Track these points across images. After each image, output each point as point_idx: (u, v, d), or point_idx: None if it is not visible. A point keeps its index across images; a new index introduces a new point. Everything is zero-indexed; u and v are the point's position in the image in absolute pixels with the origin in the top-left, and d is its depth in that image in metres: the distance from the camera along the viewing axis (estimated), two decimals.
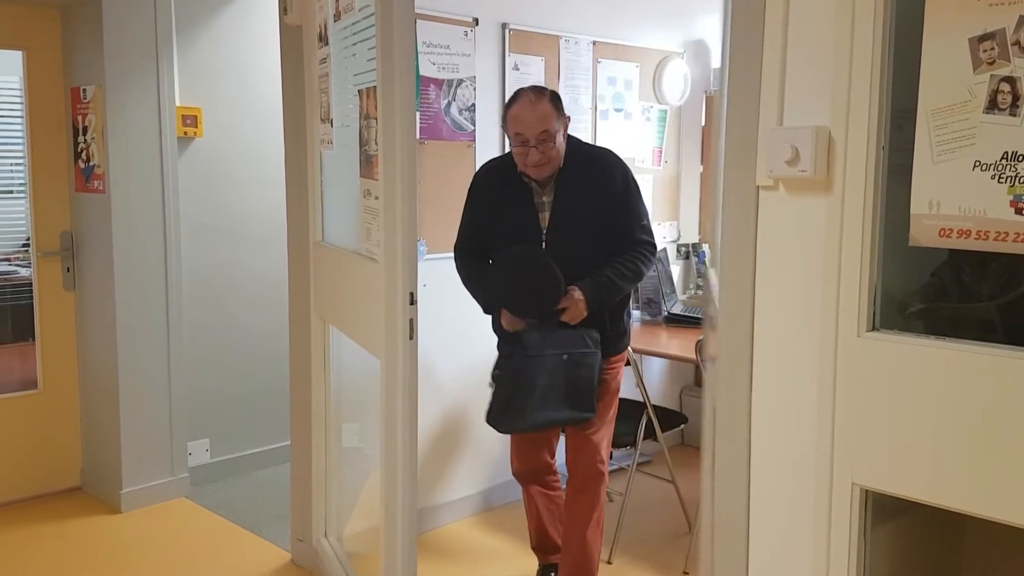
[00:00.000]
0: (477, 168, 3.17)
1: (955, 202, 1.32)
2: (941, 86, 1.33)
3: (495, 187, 2.93)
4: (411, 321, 2.34)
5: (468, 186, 3.07)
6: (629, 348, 3.10)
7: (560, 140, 2.79)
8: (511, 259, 2.80)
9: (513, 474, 3.17)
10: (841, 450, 1.44)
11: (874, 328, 1.41)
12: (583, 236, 2.82)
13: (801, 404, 1.50)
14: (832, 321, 1.43)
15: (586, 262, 2.81)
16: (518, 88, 2.84)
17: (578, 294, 2.77)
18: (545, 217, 2.84)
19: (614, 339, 2.96)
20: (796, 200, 1.48)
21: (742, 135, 1.53)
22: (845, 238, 1.41)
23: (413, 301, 2.34)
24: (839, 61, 1.41)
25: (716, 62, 4.80)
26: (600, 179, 2.84)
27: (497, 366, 2.83)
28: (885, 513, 1.50)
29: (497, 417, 2.83)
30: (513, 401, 2.78)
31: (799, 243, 1.48)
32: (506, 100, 2.90)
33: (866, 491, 1.45)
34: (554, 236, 2.83)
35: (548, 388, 2.76)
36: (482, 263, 2.94)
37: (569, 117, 2.85)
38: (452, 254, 3.08)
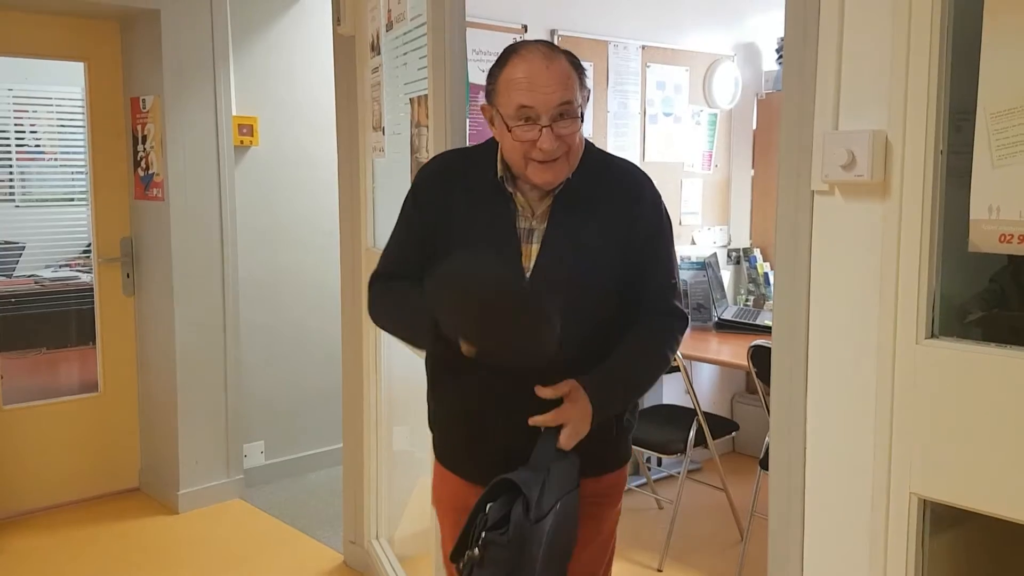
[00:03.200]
0: None
1: (1016, 207, 1.30)
2: (1001, 89, 1.30)
3: (455, 191, 1.82)
4: None
5: None
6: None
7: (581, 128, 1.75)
8: (472, 262, 1.64)
9: None
10: (899, 459, 1.42)
11: (933, 335, 1.39)
12: (589, 292, 1.75)
13: (858, 412, 1.48)
14: (890, 328, 1.41)
15: (585, 338, 1.73)
16: (513, 43, 1.82)
17: (580, 393, 1.70)
18: (531, 252, 1.75)
19: (615, 442, 1.87)
20: (852, 205, 1.46)
21: (797, 139, 1.52)
22: (903, 244, 1.39)
23: None
24: (896, 63, 1.39)
25: (767, 65, 4.76)
26: (626, 205, 1.78)
27: (485, 540, 1.63)
28: (943, 523, 1.47)
29: None
30: None
31: (855, 249, 1.46)
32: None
33: (924, 501, 1.43)
34: (541, 286, 1.71)
35: (548, 560, 1.64)
36: (415, 286, 1.73)
37: (589, 91, 1.81)
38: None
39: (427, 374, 1.95)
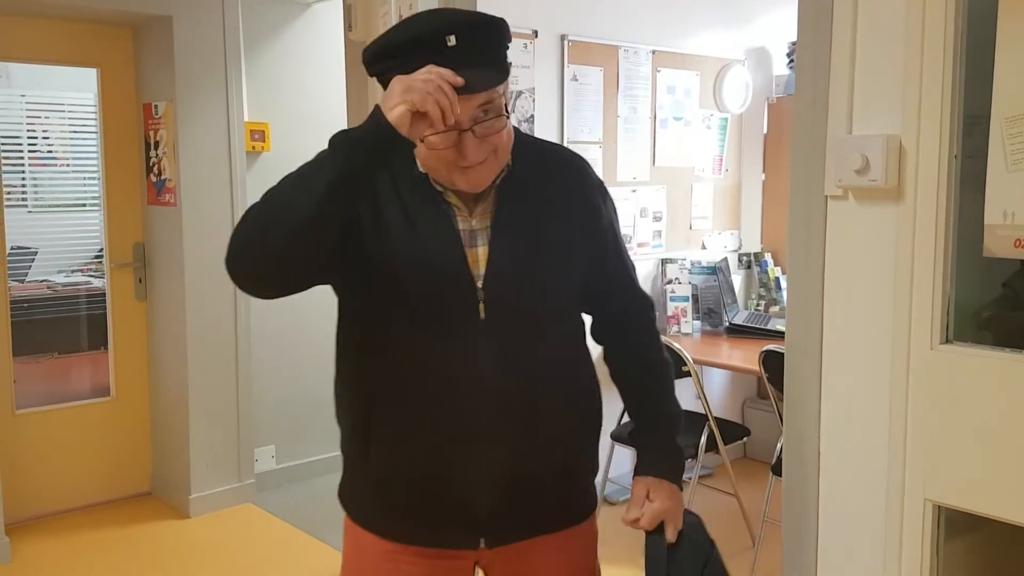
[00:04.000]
0: None
1: None
2: (1015, 94, 1.30)
3: (380, 176, 1.45)
4: None
5: None
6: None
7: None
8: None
9: None
10: (913, 465, 1.41)
11: (947, 340, 1.39)
12: (554, 294, 1.53)
13: (872, 417, 1.47)
14: (904, 333, 1.40)
15: (557, 346, 1.54)
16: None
17: (657, 484, 1.56)
18: (478, 256, 1.47)
19: (586, 486, 1.65)
20: (866, 210, 1.46)
21: (810, 144, 1.51)
22: (917, 248, 1.38)
23: None
24: (909, 68, 1.39)
25: (777, 69, 4.75)
26: (579, 192, 1.58)
27: None
28: (958, 529, 1.47)
29: None
30: None
31: (869, 254, 1.46)
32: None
33: (939, 507, 1.42)
34: (498, 294, 1.46)
35: None
36: None
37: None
38: None
39: (353, 384, 1.54)
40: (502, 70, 1.42)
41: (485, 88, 1.37)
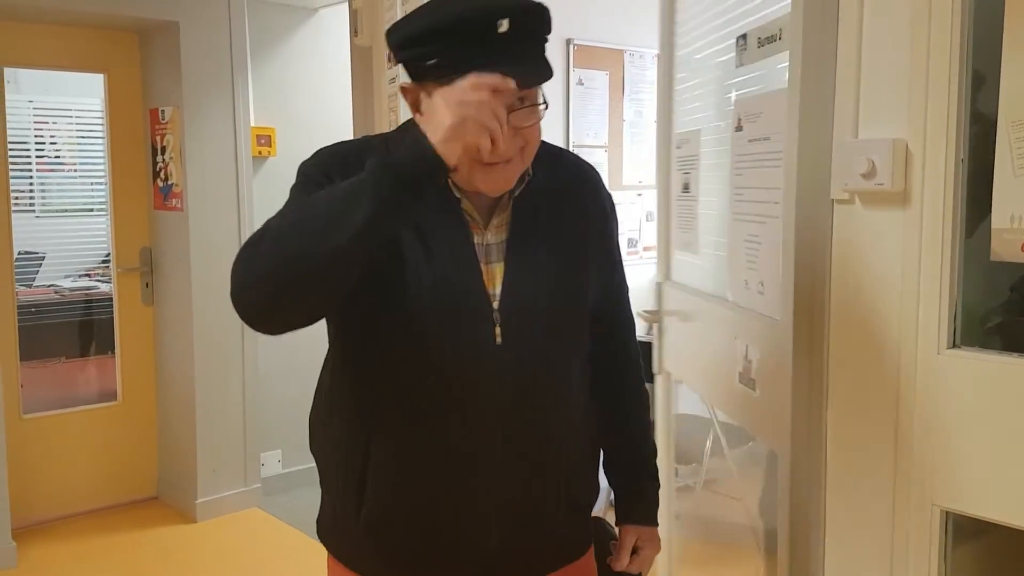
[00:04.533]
0: None
1: None
2: (1022, 97, 1.29)
3: None
4: None
5: None
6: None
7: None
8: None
9: None
10: (921, 471, 1.41)
11: (955, 345, 1.38)
12: (569, 317, 1.42)
13: (879, 423, 1.47)
14: (911, 338, 1.40)
15: (568, 372, 1.43)
16: None
17: (644, 531, 1.58)
18: (494, 274, 1.35)
19: (587, 516, 1.56)
20: (872, 214, 1.45)
21: (815, 148, 1.51)
22: (924, 252, 1.38)
23: None
24: (915, 72, 1.38)
25: None
26: (591, 207, 1.47)
27: None
28: (966, 534, 1.46)
29: None
30: None
31: (875, 258, 1.45)
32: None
33: (947, 513, 1.41)
34: (515, 317, 1.34)
35: None
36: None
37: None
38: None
39: (347, 413, 1.39)
40: (548, 64, 1.27)
41: (536, 86, 1.25)
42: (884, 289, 1.44)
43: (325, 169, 1.31)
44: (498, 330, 1.32)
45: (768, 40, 1.73)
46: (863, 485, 1.50)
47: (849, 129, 1.46)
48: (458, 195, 1.34)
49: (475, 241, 1.35)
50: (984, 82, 1.35)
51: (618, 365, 1.56)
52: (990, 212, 1.33)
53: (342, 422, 1.40)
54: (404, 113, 2.96)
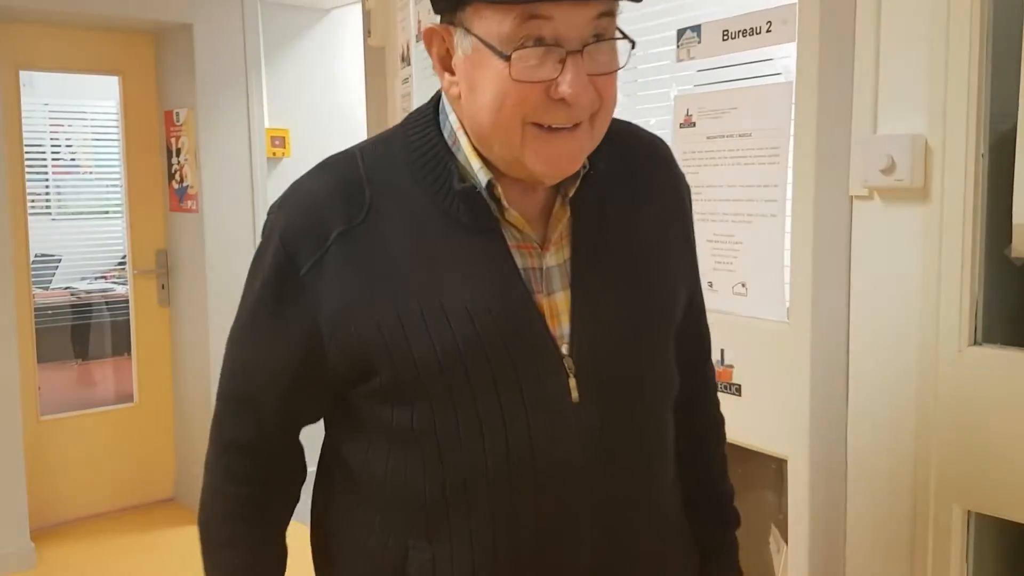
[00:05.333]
0: None
1: None
2: None
3: (394, 221, 0.97)
4: None
5: None
6: None
7: None
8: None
9: None
10: (943, 470, 1.39)
11: (976, 342, 1.36)
12: (660, 349, 1.07)
13: (900, 421, 1.45)
14: (933, 335, 1.38)
15: (660, 419, 1.08)
16: None
17: None
18: (557, 308, 0.99)
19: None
20: (892, 210, 1.44)
21: (833, 144, 1.49)
22: (944, 249, 1.36)
23: None
24: (934, 66, 1.37)
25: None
26: (669, 198, 1.11)
27: None
28: (988, 534, 1.44)
29: None
30: None
31: (896, 255, 1.44)
32: None
33: (969, 513, 1.39)
34: (594, 363, 0.99)
35: None
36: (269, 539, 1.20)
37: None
38: None
39: (370, 507, 1.11)
40: None
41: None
42: (904, 286, 1.43)
43: (292, 253, 0.98)
44: (573, 383, 0.97)
45: (746, 33, 1.65)
46: (884, 484, 1.48)
47: (868, 125, 1.45)
48: (491, 208, 0.96)
49: (523, 264, 0.98)
50: (1004, 72, 1.34)
51: (702, 396, 1.21)
52: (1011, 207, 1.31)
53: (364, 527, 1.11)
54: None
